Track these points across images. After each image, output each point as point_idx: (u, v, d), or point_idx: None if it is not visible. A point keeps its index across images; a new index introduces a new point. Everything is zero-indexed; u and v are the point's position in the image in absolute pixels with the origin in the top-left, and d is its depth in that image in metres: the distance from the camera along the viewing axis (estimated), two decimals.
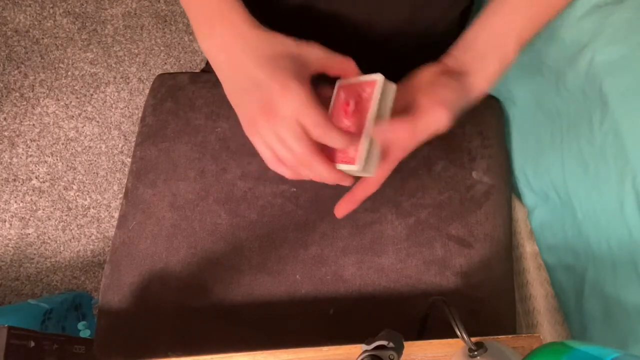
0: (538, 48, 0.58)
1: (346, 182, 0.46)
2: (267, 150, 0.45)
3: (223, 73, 0.46)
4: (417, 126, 0.44)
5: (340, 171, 0.45)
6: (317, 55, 0.46)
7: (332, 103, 0.49)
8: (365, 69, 0.48)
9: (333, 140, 0.42)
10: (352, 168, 0.44)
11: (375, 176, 0.50)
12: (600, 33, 0.49)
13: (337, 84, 0.50)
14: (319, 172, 0.44)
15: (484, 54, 0.49)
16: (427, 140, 0.46)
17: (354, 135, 0.43)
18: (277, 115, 0.41)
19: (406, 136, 0.44)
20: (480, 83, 0.49)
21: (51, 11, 1.44)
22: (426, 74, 0.49)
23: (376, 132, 0.44)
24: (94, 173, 1.30)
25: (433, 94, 0.45)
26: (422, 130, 0.44)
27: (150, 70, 1.39)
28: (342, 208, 0.53)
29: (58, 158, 1.31)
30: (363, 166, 0.44)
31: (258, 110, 0.43)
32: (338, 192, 0.62)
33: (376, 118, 0.44)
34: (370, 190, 0.52)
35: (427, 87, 0.47)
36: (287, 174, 0.46)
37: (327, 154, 0.46)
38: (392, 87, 0.45)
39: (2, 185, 1.28)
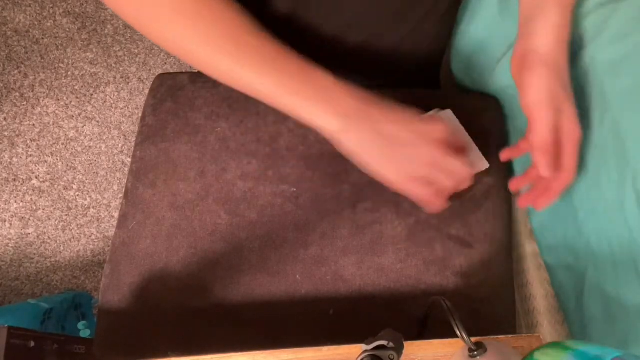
0: None
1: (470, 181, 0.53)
2: (428, 188, 0.50)
3: (370, 146, 0.48)
4: (531, 142, 0.50)
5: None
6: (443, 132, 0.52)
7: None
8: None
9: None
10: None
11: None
12: (602, 32, 0.49)
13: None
14: (466, 179, 0.52)
15: (540, 14, 0.49)
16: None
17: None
18: (444, 150, 0.48)
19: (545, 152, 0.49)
20: (548, 43, 0.48)
21: (51, 11, 1.44)
22: (514, 65, 0.52)
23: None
24: (94, 173, 1.30)
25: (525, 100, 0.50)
26: (535, 142, 0.49)
27: (150, 70, 1.39)
28: (543, 203, 0.53)
29: (58, 158, 1.31)
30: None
31: (434, 153, 0.48)
32: (338, 192, 0.62)
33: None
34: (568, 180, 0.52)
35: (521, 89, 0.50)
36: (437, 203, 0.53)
37: None
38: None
39: (2, 185, 1.28)
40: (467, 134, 0.62)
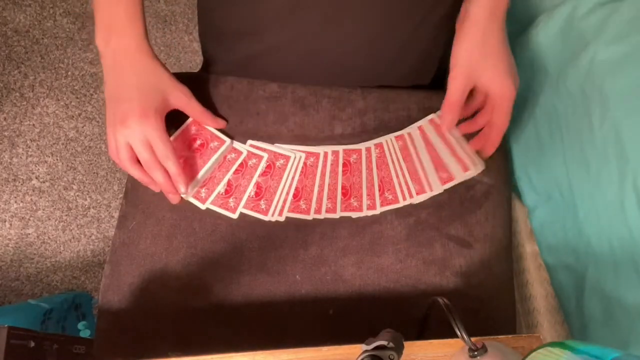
0: (541, 45, 0.58)
1: (180, 191, 0.58)
2: (123, 150, 0.54)
3: (107, 75, 0.55)
4: (444, 105, 0.58)
5: (183, 176, 0.56)
6: (179, 99, 0.58)
7: (180, 130, 0.62)
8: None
9: (168, 165, 0.55)
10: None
11: None
12: (602, 32, 0.49)
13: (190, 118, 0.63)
14: (173, 170, 0.55)
15: None
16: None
17: (182, 172, 0.56)
18: (129, 128, 0.53)
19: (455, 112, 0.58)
20: (475, 10, 0.54)
21: (51, 11, 1.44)
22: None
23: (445, 123, 0.59)
24: (94, 173, 1.30)
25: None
26: (446, 106, 0.58)
27: None
28: (488, 149, 0.61)
29: (58, 158, 1.31)
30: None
31: (119, 119, 0.53)
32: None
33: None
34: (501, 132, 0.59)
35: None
36: (137, 175, 0.56)
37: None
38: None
39: (2, 185, 1.28)
40: (453, 140, 0.61)
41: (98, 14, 0.54)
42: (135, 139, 0.53)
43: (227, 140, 0.62)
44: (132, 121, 0.52)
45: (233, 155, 0.62)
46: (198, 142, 0.61)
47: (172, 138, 0.60)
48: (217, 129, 0.62)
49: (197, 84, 0.68)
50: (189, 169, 0.60)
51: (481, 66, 0.54)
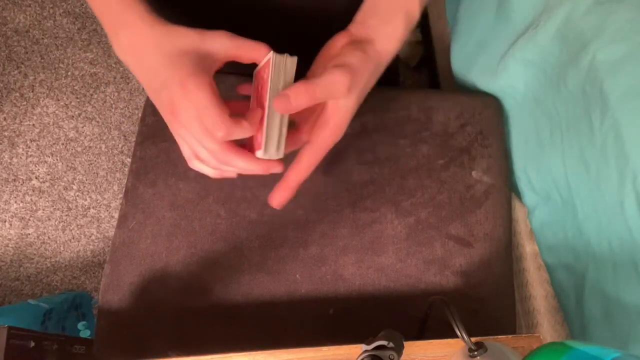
0: (540, 45, 0.58)
1: (276, 169, 0.46)
2: (187, 149, 0.46)
3: (137, 76, 0.46)
4: (316, 89, 0.43)
5: (263, 159, 0.45)
6: (223, 45, 0.45)
7: (252, 93, 0.49)
8: (285, 50, 0.46)
9: (238, 135, 0.42)
10: (259, 153, 0.44)
11: (282, 156, 0.47)
12: (602, 32, 0.49)
13: (255, 72, 0.49)
14: (239, 166, 0.44)
15: (389, 17, 0.48)
16: (333, 108, 0.46)
17: (254, 160, 0.44)
18: (181, 118, 0.42)
19: (306, 100, 0.43)
20: (387, 48, 0.48)
21: (51, 11, 1.44)
22: (334, 45, 0.49)
23: (275, 104, 0.42)
24: (94, 173, 1.30)
25: (335, 61, 0.46)
26: (322, 92, 0.43)
27: None
28: (277, 196, 0.49)
29: (58, 158, 1.31)
30: (265, 149, 0.44)
31: (168, 111, 0.43)
32: (338, 191, 0.62)
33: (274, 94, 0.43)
34: (302, 174, 0.48)
35: (333, 57, 0.47)
36: (210, 172, 0.47)
37: (250, 143, 0.46)
38: (290, 60, 0.44)
39: (2, 185, 1.28)
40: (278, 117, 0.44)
41: (102, 22, 0.48)
42: (189, 137, 0.44)
43: (270, 54, 0.44)
44: (178, 103, 0.42)
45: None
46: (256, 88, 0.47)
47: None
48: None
49: None
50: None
51: (352, 94, 0.46)
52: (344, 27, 0.51)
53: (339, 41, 0.49)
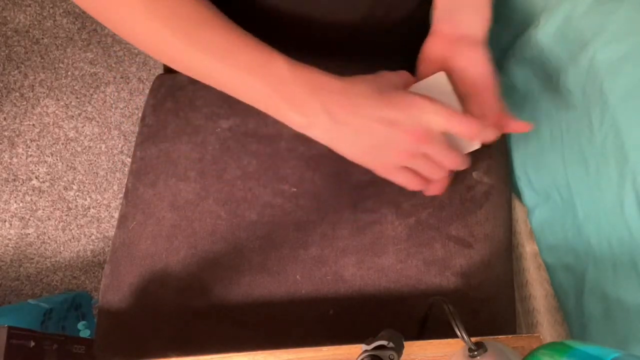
0: (540, 45, 0.58)
1: (465, 165, 0.49)
2: (414, 177, 0.48)
3: (339, 139, 0.45)
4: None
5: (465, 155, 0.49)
6: (402, 79, 0.48)
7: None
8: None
9: (473, 130, 0.44)
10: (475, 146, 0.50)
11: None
12: (602, 31, 0.49)
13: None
14: (458, 165, 0.48)
15: (475, 7, 0.51)
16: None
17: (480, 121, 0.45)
18: (433, 136, 0.44)
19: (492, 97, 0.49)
20: (484, 34, 0.51)
21: (51, 11, 1.44)
22: (430, 51, 0.52)
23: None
24: (94, 173, 1.30)
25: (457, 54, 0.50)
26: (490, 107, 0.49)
27: (150, 70, 1.39)
28: (490, 133, 0.49)
29: (58, 158, 1.31)
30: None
31: (411, 141, 0.43)
32: (338, 192, 0.62)
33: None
34: (496, 115, 0.51)
35: (434, 62, 0.50)
36: (422, 186, 0.50)
37: None
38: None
39: (2, 185, 1.28)
40: (459, 103, 0.50)
41: (255, 96, 0.45)
42: (439, 146, 0.45)
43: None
44: (431, 122, 0.43)
45: None
46: None
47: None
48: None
49: (198, 84, 0.68)
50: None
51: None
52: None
53: (435, 44, 0.51)
